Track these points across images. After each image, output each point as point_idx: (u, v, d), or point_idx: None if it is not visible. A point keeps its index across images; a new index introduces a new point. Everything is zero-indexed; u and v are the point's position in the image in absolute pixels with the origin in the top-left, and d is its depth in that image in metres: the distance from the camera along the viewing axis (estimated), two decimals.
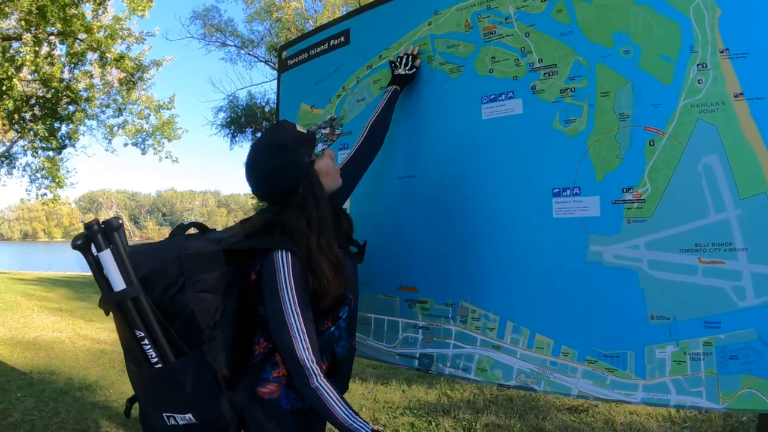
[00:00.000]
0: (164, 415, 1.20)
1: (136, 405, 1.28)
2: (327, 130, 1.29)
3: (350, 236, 1.46)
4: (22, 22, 7.37)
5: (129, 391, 1.29)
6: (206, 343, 1.17)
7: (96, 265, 1.15)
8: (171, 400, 1.19)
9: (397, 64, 1.73)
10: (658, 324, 1.27)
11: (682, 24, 1.26)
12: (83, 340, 5.62)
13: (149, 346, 1.15)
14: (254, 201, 19.76)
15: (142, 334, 1.14)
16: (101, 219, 1.15)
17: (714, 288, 1.22)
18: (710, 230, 1.22)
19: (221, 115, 17.63)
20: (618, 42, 1.34)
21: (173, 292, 1.15)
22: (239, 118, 17.44)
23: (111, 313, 1.20)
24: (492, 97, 1.54)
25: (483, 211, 1.55)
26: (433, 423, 3.12)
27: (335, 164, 1.37)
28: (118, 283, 1.13)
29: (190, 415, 1.18)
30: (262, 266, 1.20)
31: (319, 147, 1.28)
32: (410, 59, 1.70)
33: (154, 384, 1.19)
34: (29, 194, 10.54)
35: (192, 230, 1.33)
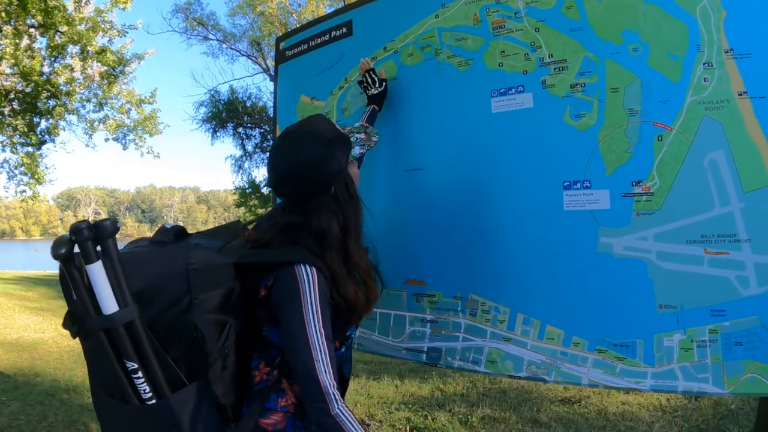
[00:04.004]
0: None
1: None
2: (363, 135, 1.23)
3: None
4: (2, 14, 7.15)
5: None
6: (214, 371, 1.04)
7: (82, 280, 0.95)
8: None
9: (367, 85, 1.74)
10: (666, 313, 1.31)
11: (689, 24, 1.30)
12: (67, 340, 5.47)
13: (142, 380, 0.98)
14: (235, 197, 19.54)
15: (135, 366, 0.97)
16: (83, 217, 0.97)
17: (719, 278, 1.26)
18: (716, 222, 1.27)
19: (202, 110, 17.47)
20: (627, 39, 1.37)
21: (175, 313, 0.99)
22: (220, 113, 17.28)
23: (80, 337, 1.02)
24: (502, 90, 1.55)
25: (492, 204, 1.56)
26: (429, 417, 3.14)
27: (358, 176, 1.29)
28: (110, 304, 0.94)
29: None
30: (277, 281, 1.07)
31: (356, 150, 1.20)
32: (375, 75, 1.73)
33: (145, 422, 1.03)
34: (7, 191, 10.26)
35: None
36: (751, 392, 1.26)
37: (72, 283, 0.96)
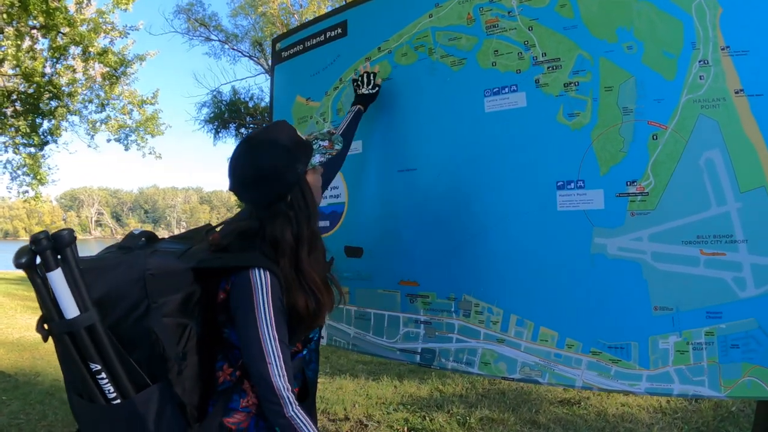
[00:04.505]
0: None
1: None
2: (326, 143, 1.22)
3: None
4: (4, 15, 7.17)
5: None
6: (173, 373, 1.07)
7: (44, 287, 1.00)
8: None
9: (360, 83, 1.76)
10: (662, 315, 1.29)
11: (684, 21, 1.28)
12: None
13: (106, 380, 1.02)
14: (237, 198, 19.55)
15: (98, 367, 1.01)
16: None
17: (715, 279, 1.24)
18: (712, 223, 1.25)
19: (204, 110, 17.45)
20: (621, 37, 1.35)
21: (135, 317, 1.03)
22: (223, 114, 17.27)
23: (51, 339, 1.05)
24: (495, 90, 1.54)
25: (486, 205, 1.55)
26: (427, 418, 3.13)
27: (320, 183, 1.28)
28: (71, 309, 0.98)
29: None
30: (234, 285, 1.10)
31: (316, 158, 1.20)
32: (372, 78, 1.74)
33: (111, 422, 1.07)
34: (10, 192, 10.29)
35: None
36: (748, 396, 1.24)
37: (36, 290, 1.01)
